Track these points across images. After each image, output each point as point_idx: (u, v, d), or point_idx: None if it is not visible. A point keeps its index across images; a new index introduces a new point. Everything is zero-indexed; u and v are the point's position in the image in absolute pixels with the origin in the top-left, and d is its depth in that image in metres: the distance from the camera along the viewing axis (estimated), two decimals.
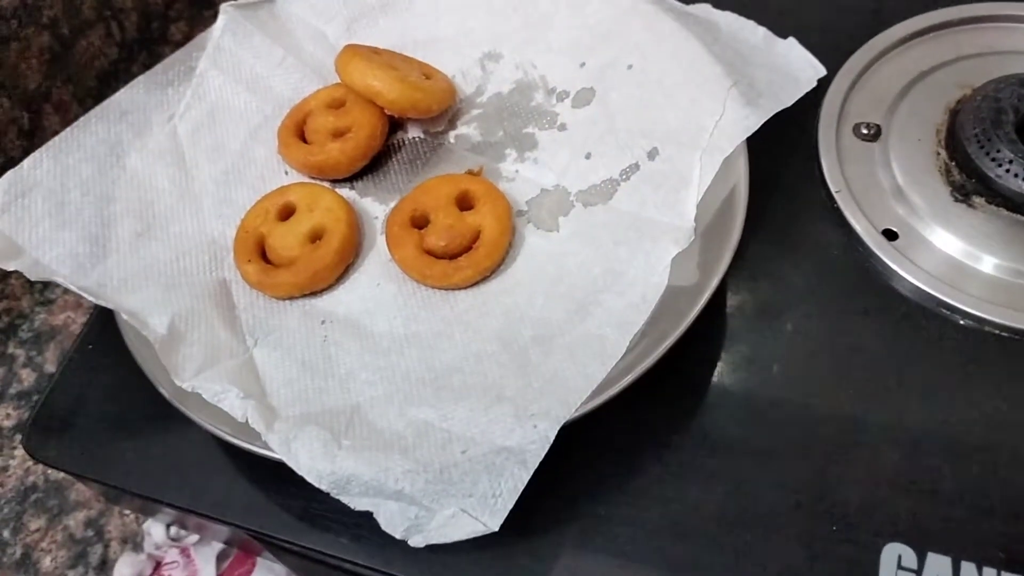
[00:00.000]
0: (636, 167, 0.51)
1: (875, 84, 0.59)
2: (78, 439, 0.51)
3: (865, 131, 0.56)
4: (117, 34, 0.70)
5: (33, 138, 0.63)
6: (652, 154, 0.51)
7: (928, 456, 0.44)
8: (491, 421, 0.42)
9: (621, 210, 0.50)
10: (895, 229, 0.52)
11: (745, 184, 0.48)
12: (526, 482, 0.38)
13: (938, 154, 0.55)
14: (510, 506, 0.38)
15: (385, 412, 0.44)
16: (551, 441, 0.40)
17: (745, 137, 0.48)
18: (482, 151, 0.57)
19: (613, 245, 0.49)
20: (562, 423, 0.40)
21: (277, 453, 0.42)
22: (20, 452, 0.55)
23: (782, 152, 0.52)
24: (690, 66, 0.52)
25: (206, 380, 0.44)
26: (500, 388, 0.44)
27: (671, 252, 0.46)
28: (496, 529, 0.38)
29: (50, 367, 0.58)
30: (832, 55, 0.57)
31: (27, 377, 0.58)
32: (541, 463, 0.40)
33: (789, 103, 0.50)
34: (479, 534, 0.38)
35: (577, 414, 0.41)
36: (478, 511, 0.38)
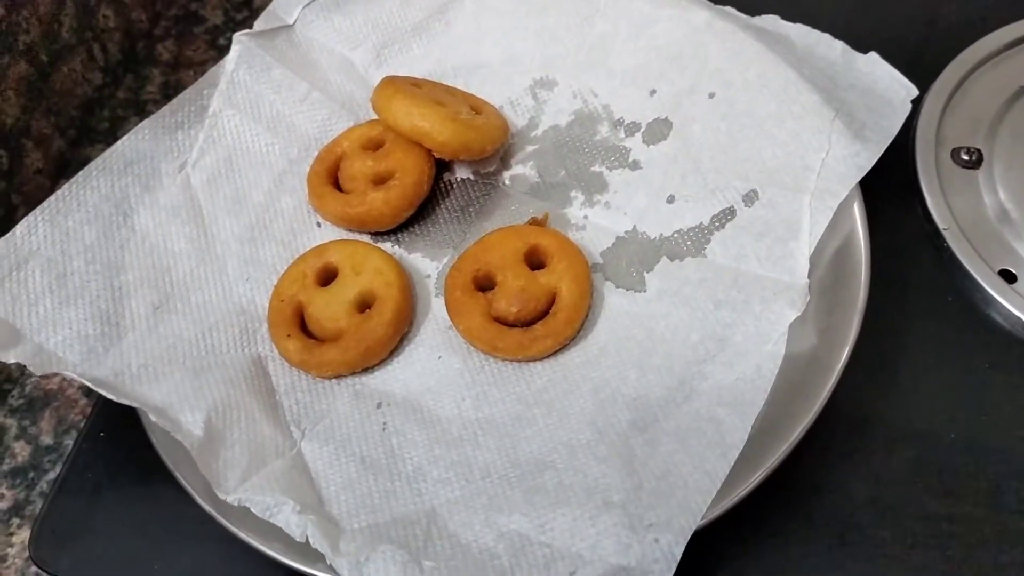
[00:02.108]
0: (731, 212, 0.45)
1: (970, 104, 0.54)
2: (95, 549, 0.44)
3: (966, 157, 0.51)
4: (100, 57, 0.64)
5: (12, 178, 0.57)
6: (749, 198, 0.45)
7: None
8: (600, 534, 0.35)
9: (717, 263, 0.44)
10: (1013, 270, 0.47)
11: (864, 232, 0.43)
12: None
13: None
14: None
15: (468, 521, 0.38)
16: (678, 559, 0.34)
17: (860, 178, 0.42)
18: (543, 194, 0.50)
19: (713, 307, 0.43)
20: (689, 536, 0.34)
21: None
22: (19, 538, 0.48)
23: (878, 184, 0.46)
24: (783, 94, 0.46)
25: (254, 490, 0.38)
26: (605, 490, 0.37)
27: (788, 317, 0.40)
28: None
29: (46, 438, 0.51)
30: (920, 72, 0.51)
31: (21, 451, 0.51)
32: None
33: (895, 132, 0.45)
34: None
35: (703, 522, 0.35)
36: None
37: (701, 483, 0.36)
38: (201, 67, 0.65)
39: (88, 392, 0.51)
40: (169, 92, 0.64)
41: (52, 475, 0.48)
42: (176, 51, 0.67)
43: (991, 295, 0.46)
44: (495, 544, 0.36)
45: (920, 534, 0.40)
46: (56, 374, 0.53)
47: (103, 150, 0.49)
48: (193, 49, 0.66)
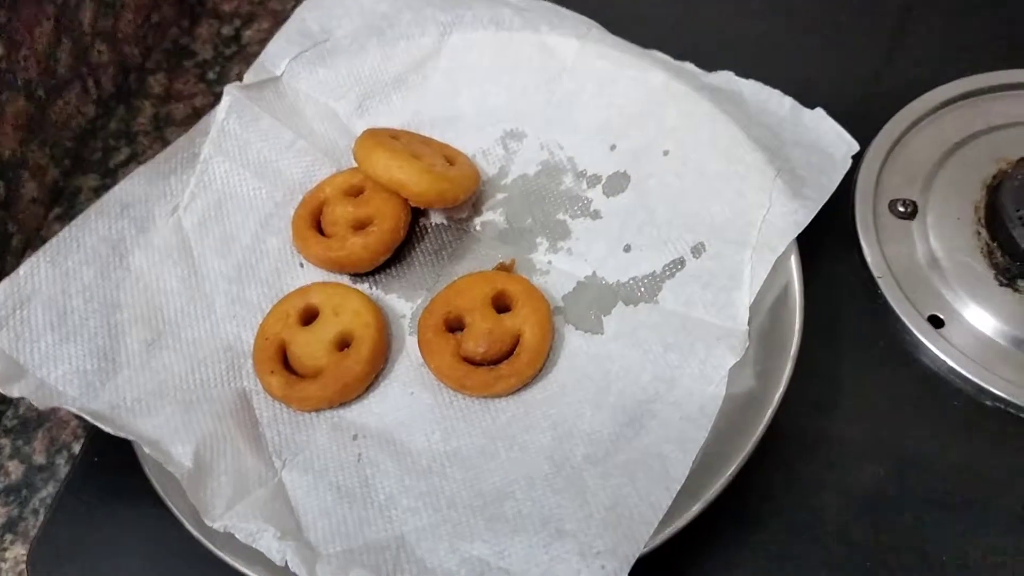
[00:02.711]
0: (681, 263, 0.49)
1: (908, 157, 0.57)
2: (88, 569, 0.47)
3: (902, 208, 0.55)
4: (93, 91, 0.66)
5: (9, 208, 0.59)
6: (697, 250, 0.49)
7: None
8: (553, 560, 0.39)
9: (667, 309, 0.48)
10: (940, 316, 0.51)
11: (799, 283, 0.46)
12: None
13: (979, 234, 0.53)
14: None
15: (434, 547, 0.41)
16: None
17: (796, 234, 0.46)
18: (511, 240, 0.54)
19: (663, 350, 0.46)
20: (632, 563, 0.38)
21: None
22: (12, 554, 0.50)
23: (820, 231, 0.50)
24: (730, 153, 0.50)
25: (239, 518, 0.41)
26: (559, 520, 0.41)
27: (728, 361, 0.44)
28: None
29: (39, 458, 0.53)
30: (863, 126, 0.55)
31: (14, 470, 0.53)
32: None
33: (832, 189, 0.49)
34: None
35: (646, 549, 0.39)
36: None
37: (645, 514, 0.40)
38: (190, 100, 0.67)
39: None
40: (159, 123, 0.66)
41: (44, 493, 0.50)
42: (167, 84, 0.69)
43: (919, 340, 0.49)
44: (457, 569, 0.40)
45: (850, 561, 0.44)
46: None
47: (95, 179, 0.50)
48: (183, 82, 0.68)
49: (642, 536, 0.39)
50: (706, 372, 0.44)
